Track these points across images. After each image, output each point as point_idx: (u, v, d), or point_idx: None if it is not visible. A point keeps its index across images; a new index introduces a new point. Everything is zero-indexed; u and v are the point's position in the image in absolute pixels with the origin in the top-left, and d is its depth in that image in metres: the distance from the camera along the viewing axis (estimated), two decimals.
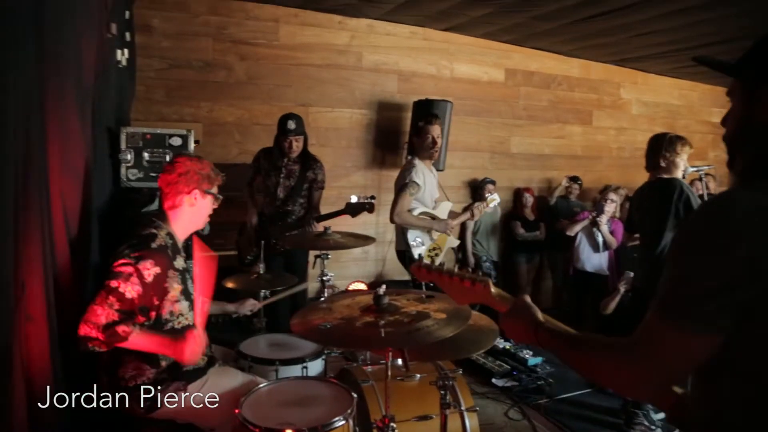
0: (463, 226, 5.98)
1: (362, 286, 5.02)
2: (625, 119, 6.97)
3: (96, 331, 1.84)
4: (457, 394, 2.48)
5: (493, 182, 5.87)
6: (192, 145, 3.45)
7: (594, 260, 5.28)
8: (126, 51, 3.61)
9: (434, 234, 3.96)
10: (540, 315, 1.29)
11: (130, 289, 1.92)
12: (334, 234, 3.15)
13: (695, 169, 3.81)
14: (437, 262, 4.11)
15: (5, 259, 1.36)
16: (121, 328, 1.87)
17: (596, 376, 1.10)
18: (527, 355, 4.06)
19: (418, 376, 2.57)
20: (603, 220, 5.12)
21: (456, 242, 4.32)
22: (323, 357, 2.69)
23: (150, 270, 1.99)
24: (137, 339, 1.91)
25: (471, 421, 2.47)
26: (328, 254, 3.29)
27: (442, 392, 2.07)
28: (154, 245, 2.04)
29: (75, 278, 2.12)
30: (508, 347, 4.22)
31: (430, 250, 3.95)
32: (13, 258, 1.43)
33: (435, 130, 3.91)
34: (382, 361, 2.19)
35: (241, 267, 3.99)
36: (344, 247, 3.15)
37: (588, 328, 5.22)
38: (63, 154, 1.91)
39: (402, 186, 3.84)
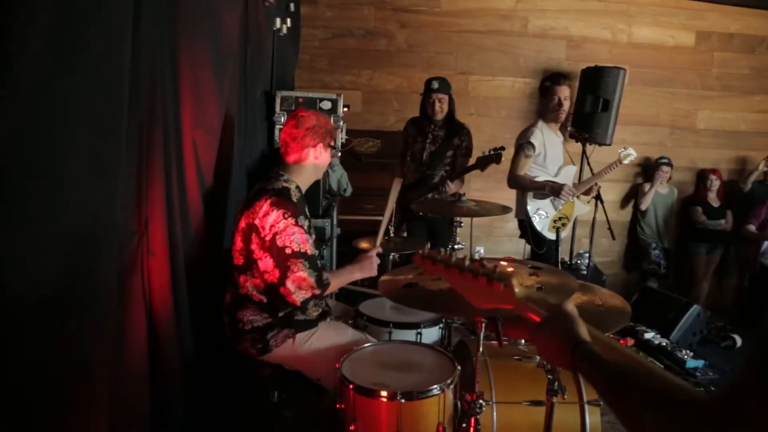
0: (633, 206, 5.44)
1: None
2: None
3: (312, 290, 2.09)
4: (579, 384, 2.25)
5: (669, 163, 5.20)
6: (341, 109, 3.58)
7: None
8: (288, 21, 3.83)
9: (559, 203, 3.67)
10: (585, 330, 0.95)
11: (308, 247, 2.09)
12: (468, 201, 3.03)
13: None
14: (564, 233, 3.78)
15: (126, 194, 1.49)
16: (325, 276, 2.14)
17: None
18: (686, 356, 3.58)
19: (538, 357, 2.39)
20: None
21: (586, 209, 3.90)
22: (440, 326, 2.62)
23: (304, 223, 2.11)
24: (333, 281, 2.21)
25: (591, 416, 2.22)
26: (461, 222, 3.19)
27: (550, 377, 1.89)
28: (294, 200, 2.13)
29: (208, 225, 2.32)
30: (664, 344, 3.75)
31: (555, 221, 3.65)
32: (135, 194, 1.58)
33: (562, 91, 3.66)
34: (505, 339, 2.08)
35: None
36: (477, 215, 3.02)
37: None
38: (195, 109, 2.06)
39: (517, 147, 3.69)
